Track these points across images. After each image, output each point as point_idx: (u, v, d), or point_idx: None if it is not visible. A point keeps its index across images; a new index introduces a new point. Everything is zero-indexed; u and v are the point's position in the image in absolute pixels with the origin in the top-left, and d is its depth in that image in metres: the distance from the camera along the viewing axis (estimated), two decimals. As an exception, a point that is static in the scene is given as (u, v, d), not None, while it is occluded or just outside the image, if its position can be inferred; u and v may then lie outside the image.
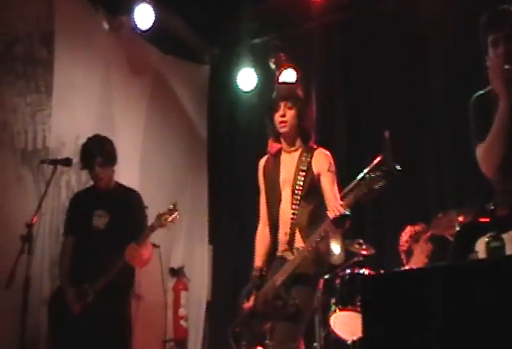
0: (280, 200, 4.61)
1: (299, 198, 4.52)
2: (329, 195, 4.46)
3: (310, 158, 4.57)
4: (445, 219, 5.66)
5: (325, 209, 4.40)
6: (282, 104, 4.63)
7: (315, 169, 4.53)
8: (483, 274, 2.67)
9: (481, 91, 3.75)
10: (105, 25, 7.09)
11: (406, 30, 7.10)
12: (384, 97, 7.26)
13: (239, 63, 7.82)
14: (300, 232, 4.48)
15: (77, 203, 5.55)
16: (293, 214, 4.52)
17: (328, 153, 4.63)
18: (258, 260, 4.70)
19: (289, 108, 4.62)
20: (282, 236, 4.55)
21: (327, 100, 7.62)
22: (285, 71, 7.61)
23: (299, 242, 4.47)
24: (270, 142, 4.83)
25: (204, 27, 7.99)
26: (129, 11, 6.93)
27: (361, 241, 6.03)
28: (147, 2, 6.90)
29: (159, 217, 5.13)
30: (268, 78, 7.76)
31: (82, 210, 5.39)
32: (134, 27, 7.00)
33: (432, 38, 7.00)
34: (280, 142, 4.75)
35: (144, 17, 6.94)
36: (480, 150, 3.61)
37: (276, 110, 4.64)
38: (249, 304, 4.58)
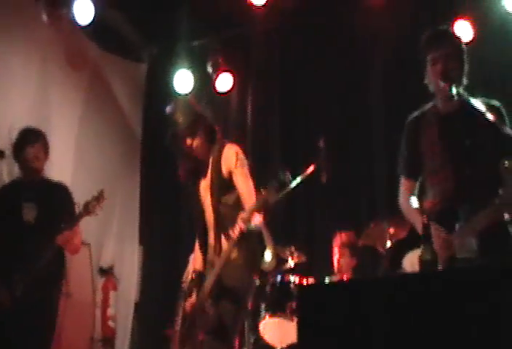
0: (203, 208, 4.59)
1: (216, 199, 4.48)
2: (243, 193, 4.43)
3: (220, 159, 4.51)
4: (376, 230, 5.77)
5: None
6: (187, 138, 4.56)
7: (224, 168, 4.48)
8: (415, 287, 2.77)
9: (416, 114, 3.94)
10: (44, 17, 6.96)
11: (346, 40, 7.19)
12: (320, 105, 7.34)
13: (177, 64, 7.82)
14: (225, 235, 4.43)
15: (4, 195, 5.47)
16: (215, 217, 4.50)
17: (236, 147, 4.57)
18: (196, 264, 4.71)
19: (193, 138, 4.55)
20: (211, 240, 4.55)
21: (264, 105, 7.66)
22: (222, 75, 7.64)
23: (225, 246, 4.43)
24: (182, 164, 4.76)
25: (144, 26, 7.96)
26: (69, 4, 6.82)
27: (293, 247, 6.08)
28: (87, -4, 6.83)
29: (86, 204, 5.11)
30: (205, 81, 7.78)
31: (10, 202, 5.32)
32: (73, 21, 6.90)
33: (371, 49, 7.11)
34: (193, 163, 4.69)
35: (84, 11, 6.87)
36: (402, 190, 3.98)
37: (182, 143, 4.58)
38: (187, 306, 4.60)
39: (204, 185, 4.60)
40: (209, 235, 4.56)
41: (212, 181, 4.52)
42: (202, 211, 4.60)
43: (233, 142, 4.65)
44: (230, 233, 4.22)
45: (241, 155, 4.53)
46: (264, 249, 4.74)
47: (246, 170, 4.49)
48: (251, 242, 4.45)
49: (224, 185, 4.48)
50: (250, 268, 4.53)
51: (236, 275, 4.41)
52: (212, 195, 4.51)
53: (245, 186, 4.44)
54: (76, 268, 6.42)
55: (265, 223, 4.45)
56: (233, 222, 4.28)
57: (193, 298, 4.54)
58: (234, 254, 4.39)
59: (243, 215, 4.21)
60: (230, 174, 4.47)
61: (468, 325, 2.59)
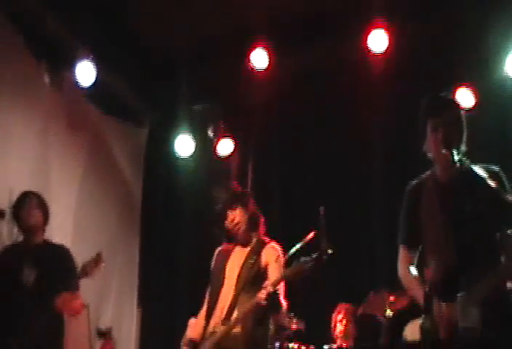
0: (223, 284, 4.73)
1: (243, 283, 4.65)
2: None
3: (261, 251, 4.73)
4: (377, 299, 5.71)
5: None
6: (228, 211, 4.81)
7: (263, 260, 4.69)
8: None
9: (415, 181, 3.89)
10: (47, 79, 7.01)
11: (347, 107, 7.23)
12: (321, 171, 7.35)
13: (178, 128, 7.83)
14: (238, 313, 4.55)
15: (5, 257, 5.49)
16: (234, 295, 4.63)
17: (278, 247, 4.79)
18: (194, 333, 4.70)
19: (234, 209, 4.79)
20: (218, 312, 4.56)
21: (264, 171, 7.66)
22: (222, 141, 7.65)
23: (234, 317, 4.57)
24: (224, 245, 4.98)
25: (145, 90, 8.02)
26: (72, 67, 6.87)
27: (292, 314, 5.99)
28: (89, 60, 6.85)
29: (84, 266, 5.16)
30: (205, 145, 7.81)
31: (10, 265, 5.32)
32: (75, 84, 6.95)
33: (372, 117, 7.15)
34: (233, 242, 4.90)
35: (86, 74, 6.88)
36: (401, 259, 3.89)
37: (224, 219, 4.83)
38: None
39: (232, 266, 4.77)
40: (217, 306, 4.67)
41: (244, 265, 4.72)
42: (221, 284, 4.73)
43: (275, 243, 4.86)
44: (259, 295, 4.35)
45: (282, 257, 4.71)
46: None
47: (281, 269, 4.63)
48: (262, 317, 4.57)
49: (255, 274, 4.66)
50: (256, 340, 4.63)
51: (239, 341, 4.53)
52: (238, 277, 4.69)
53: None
54: (74, 330, 6.34)
55: None
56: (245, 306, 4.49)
57: None
58: (238, 329, 4.53)
59: (274, 280, 4.44)
60: (266, 266, 4.68)
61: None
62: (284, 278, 4.41)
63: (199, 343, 4.63)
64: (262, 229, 4.87)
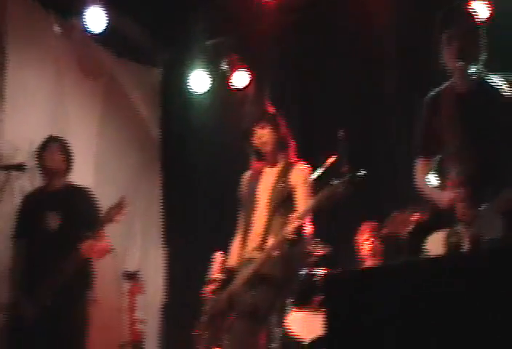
0: (256, 207, 4.68)
1: (275, 206, 4.58)
2: (300, 207, 4.50)
3: (289, 172, 4.65)
4: (400, 218, 5.71)
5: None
6: (256, 128, 4.72)
7: (292, 182, 4.61)
8: (440, 271, 2.69)
9: (433, 93, 3.86)
10: (56, 28, 6.96)
11: (360, 31, 7.12)
12: (338, 98, 7.26)
13: (192, 65, 7.80)
14: (274, 237, 4.50)
15: (28, 204, 5.50)
16: (268, 220, 4.57)
17: (305, 167, 4.72)
18: (231, 261, 4.76)
19: (263, 128, 4.69)
20: (254, 237, 4.58)
21: (281, 101, 7.60)
22: (237, 72, 7.60)
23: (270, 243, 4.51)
24: (252, 162, 4.90)
25: (156, 29, 7.95)
26: (80, 13, 6.84)
27: (317, 240, 6.02)
28: (98, 5, 6.82)
29: (108, 211, 5.17)
30: (221, 80, 7.76)
31: (34, 211, 5.35)
32: (85, 30, 6.92)
33: (385, 38, 7.04)
34: (262, 161, 4.82)
35: (95, 19, 6.87)
36: (418, 169, 3.91)
37: (251, 135, 4.74)
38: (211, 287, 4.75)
39: (263, 188, 4.71)
40: (252, 232, 4.64)
41: (273, 188, 4.64)
42: (254, 208, 4.68)
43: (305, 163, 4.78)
44: (287, 228, 4.29)
45: (310, 178, 4.69)
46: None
47: (310, 189, 4.60)
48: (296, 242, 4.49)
49: (287, 197, 4.59)
50: (292, 263, 4.63)
51: (276, 267, 4.47)
52: (269, 201, 4.62)
53: (304, 203, 4.51)
54: (102, 274, 6.36)
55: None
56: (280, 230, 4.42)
57: (215, 284, 4.69)
58: (276, 253, 4.46)
59: (304, 209, 4.37)
60: (295, 188, 4.60)
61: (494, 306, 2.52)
62: (316, 203, 4.32)
63: (236, 271, 4.63)
64: (291, 151, 4.80)
